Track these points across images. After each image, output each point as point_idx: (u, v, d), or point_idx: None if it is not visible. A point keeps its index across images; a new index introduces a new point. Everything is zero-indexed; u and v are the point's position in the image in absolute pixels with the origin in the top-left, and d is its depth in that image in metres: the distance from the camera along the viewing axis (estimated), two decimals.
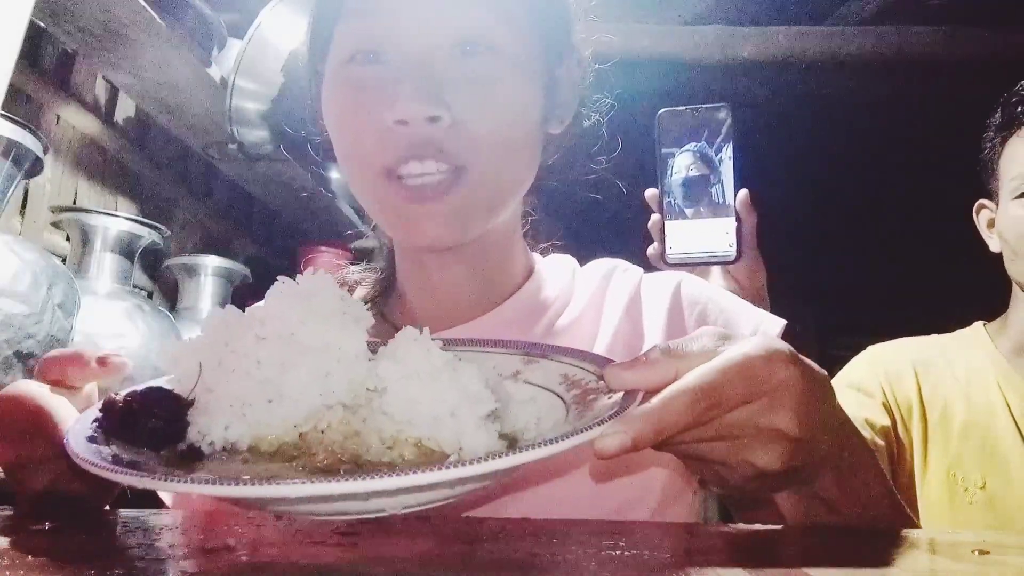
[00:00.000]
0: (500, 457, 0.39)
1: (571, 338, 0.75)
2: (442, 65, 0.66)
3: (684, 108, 1.00)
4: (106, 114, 1.89)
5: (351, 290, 0.86)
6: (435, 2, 0.67)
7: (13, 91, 1.43)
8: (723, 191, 0.98)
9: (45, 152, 1.32)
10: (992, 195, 1.33)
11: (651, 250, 1.04)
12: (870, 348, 1.41)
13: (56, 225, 1.65)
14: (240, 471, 0.43)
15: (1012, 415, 1.25)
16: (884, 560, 0.43)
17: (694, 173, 1.00)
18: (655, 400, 0.44)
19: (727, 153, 0.98)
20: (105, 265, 1.58)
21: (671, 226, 1.00)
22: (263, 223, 2.64)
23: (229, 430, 0.45)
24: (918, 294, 3.59)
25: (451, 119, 0.65)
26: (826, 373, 0.51)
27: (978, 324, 1.40)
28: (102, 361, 0.56)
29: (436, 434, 0.45)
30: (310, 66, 0.78)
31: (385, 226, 0.74)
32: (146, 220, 1.66)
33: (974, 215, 1.37)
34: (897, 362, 1.35)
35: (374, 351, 0.50)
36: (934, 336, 1.42)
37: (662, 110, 1.01)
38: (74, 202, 1.76)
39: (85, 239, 1.59)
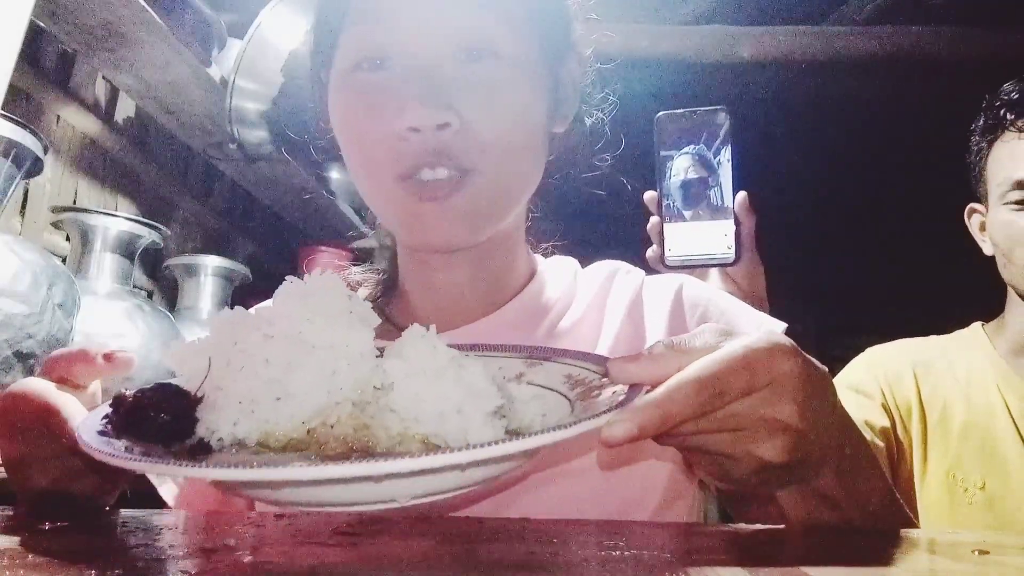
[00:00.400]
0: (511, 441, 0.40)
1: (573, 340, 0.76)
2: (447, 71, 0.67)
3: (682, 111, 1.00)
4: (106, 114, 1.89)
5: (353, 291, 0.86)
6: (438, 8, 0.67)
7: (13, 91, 1.43)
8: (722, 194, 0.99)
9: (45, 152, 1.32)
10: (981, 199, 1.33)
11: (650, 252, 1.04)
12: (869, 350, 1.41)
13: (56, 225, 1.65)
14: (251, 461, 0.43)
15: (1011, 416, 1.25)
16: (884, 560, 0.43)
17: (693, 176, 1.00)
18: (660, 389, 0.45)
19: (726, 155, 0.99)
20: (105, 265, 1.58)
21: (670, 229, 1.00)
22: (263, 223, 2.64)
23: (237, 426, 0.45)
24: (918, 295, 3.60)
25: (459, 124, 0.65)
26: (827, 370, 0.52)
27: (976, 325, 1.40)
28: (108, 357, 0.56)
29: (442, 430, 0.45)
30: (314, 73, 0.78)
31: (396, 228, 0.74)
32: (146, 220, 1.66)
33: (966, 219, 1.37)
34: (896, 363, 1.35)
35: (381, 353, 0.50)
36: (933, 337, 1.42)
37: (660, 113, 1.01)
38: (74, 202, 1.76)
39: (85, 239, 1.59)
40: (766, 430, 0.47)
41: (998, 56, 2.29)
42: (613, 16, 0.83)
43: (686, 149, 1.00)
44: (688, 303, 0.78)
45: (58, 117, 1.71)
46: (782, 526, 0.55)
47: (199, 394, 0.47)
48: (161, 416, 0.45)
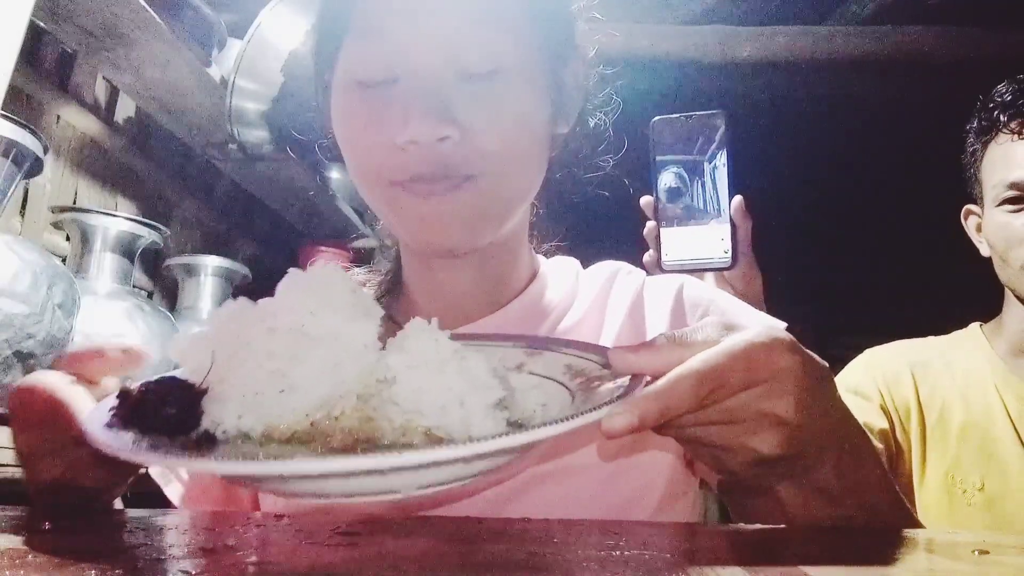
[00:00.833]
0: (514, 435, 0.41)
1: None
2: (450, 85, 0.67)
3: (678, 115, 1.01)
4: (106, 114, 1.89)
5: None
6: (441, 25, 0.67)
7: (13, 91, 1.43)
8: (718, 198, 0.99)
9: (45, 152, 1.32)
10: (977, 200, 1.33)
11: (647, 257, 1.05)
12: (867, 351, 1.41)
13: (56, 225, 1.65)
14: (256, 454, 0.44)
15: (1010, 416, 1.25)
16: (884, 560, 0.43)
17: (688, 180, 1.00)
18: (661, 381, 0.46)
19: (721, 160, 0.99)
20: (105, 265, 1.58)
21: (666, 233, 1.01)
22: (263, 223, 2.64)
23: (242, 419, 0.45)
24: (918, 294, 3.60)
25: (461, 137, 0.66)
26: (827, 366, 0.52)
27: (974, 325, 1.40)
28: (125, 352, 0.56)
29: (444, 423, 0.46)
30: (316, 75, 0.78)
31: (398, 232, 0.75)
32: (146, 220, 1.66)
33: (963, 221, 1.37)
34: (894, 365, 1.35)
35: (384, 347, 0.50)
36: (931, 338, 1.42)
37: (656, 118, 1.01)
38: (74, 202, 1.76)
39: (85, 239, 1.59)
40: (763, 424, 0.47)
41: (998, 56, 2.29)
42: (613, 16, 0.83)
43: (681, 154, 1.01)
44: (689, 303, 0.78)
45: (58, 117, 1.71)
46: (782, 526, 0.55)
47: (203, 387, 0.47)
48: (166, 409, 0.45)
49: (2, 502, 0.55)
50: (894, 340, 1.42)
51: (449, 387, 0.46)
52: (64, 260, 1.60)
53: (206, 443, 0.45)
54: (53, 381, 0.55)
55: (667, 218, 1.01)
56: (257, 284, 2.12)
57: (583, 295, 0.81)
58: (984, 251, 1.32)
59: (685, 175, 1.00)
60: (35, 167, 1.33)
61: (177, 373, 0.50)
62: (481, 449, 0.40)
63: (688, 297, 0.79)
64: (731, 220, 0.99)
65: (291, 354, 0.46)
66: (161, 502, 0.77)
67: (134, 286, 1.73)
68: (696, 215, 1.00)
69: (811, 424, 0.48)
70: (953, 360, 1.34)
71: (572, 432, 0.42)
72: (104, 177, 1.88)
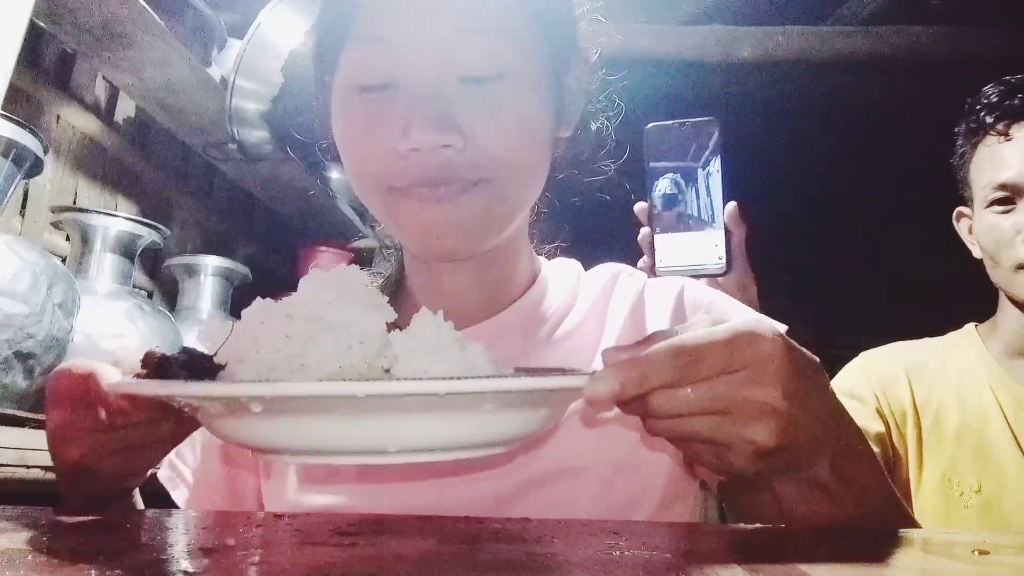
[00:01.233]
0: (489, 378, 0.43)
1: (575, 342, 0.76)
2: (453, 91, 0.66)
3: (672, 122, 1.01)
4: (106, 114, 1.89)
5: None
6: (444, 28, 0.67)
7: (13, 91, 1.43)
8: (712, 204, 1.00)
9: (45, 152, 1.32)
10: (968, 202, 1.33)
11: (641, 263, 1.05)
12: (862, 354, 1.40)
13: (56, 225, 1.65)
14: (242, 381, 0.47)
15: (1005, 417, 1.25)
16: (883, 559, 0.43)
17: (682, 187, 1.01)
18: (641, 353, 0.47)
19: (715, 166, 1.00)
20: (105, 265, 1.58)
21: (660, 239, 1.01)
22: (263, 223, 2.64)
23: None
24: (918, 294, 3.60)
25: (463, 145, 0.65)
26: (818, 360, 0.52)
27: (970, 326, 1.39)
28: None
29: None
30: (316, 78, 0.78)
31: (400, 237, 0.75)
32: (146, 220, 1.66)
33: (954, 222, 1.38)
34: (889, 368, 1.35)
35: None
36: (926, 339, 1.42)
37: (650, 124, 1.02)
38: (74, 202, 1.76)
39: (85, 239, 1.59)
40: (752, 412, 0.47)
41: (998, 56, 2.29)
42: (613, 16, 0.83)
43: (675, 161, 1.01)
44: (690, 305, 0.78)
45: (58, 117, 1.71)
46: (781, 525, 0.55)
47: (221, 362, 0.50)
48: (183, 374, 0.49)
49: (2, 502, 0.55)
50: (894, 340, 1.42)
51: (446, 372, 0.48)
52: (64, 260, 1.60)
53: None
54: (88, 363, 0.58)
55: (661, 224, 1.01)
56: (257, 284, 2.12)
57: (584, 297, 0.81)
58: (976, 252, 1.32)
59: (679, 181, 1.01)
60: (35, 167, 1.33)
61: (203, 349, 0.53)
62: (450, 388, 0.41)
63: (689, 299, 0.79)
64: (725, 226, 0.99)
65: (306, 338, 0.48)
66: (162, 503, 0.77)
67: (134, 286, 1.73)
68: (690, 221, 1.01)
69: (804, 415, 0.49)
70: (948, 362, 1.34)
71: (553, 395, 0.46)
72: (104, 177, 1.88)
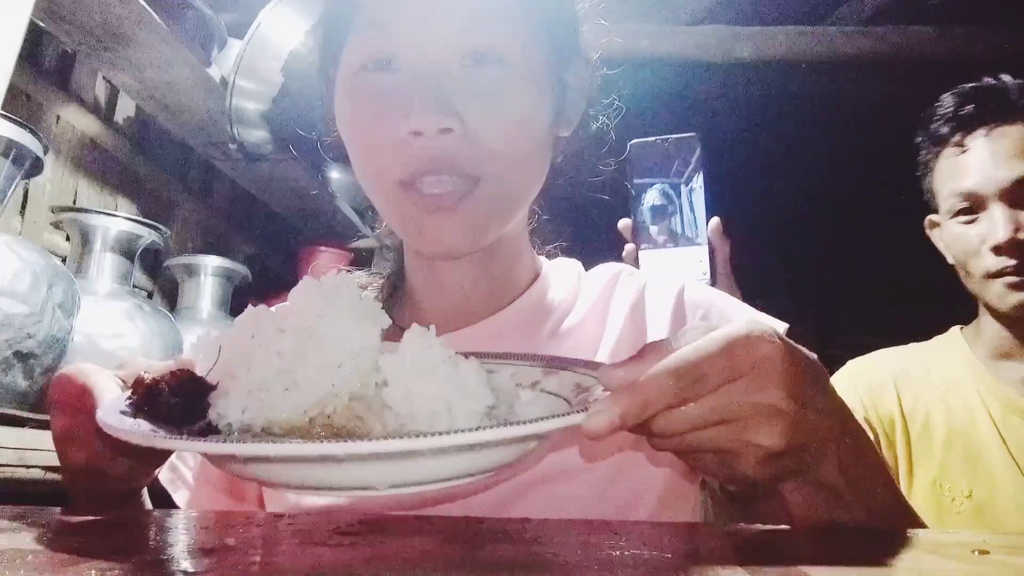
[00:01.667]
0: (482, 430, 0.41)
1: (575, 341, 0.76)
2: (453, 77, 0.67)
3: (654, 139, 1.02)
4: (106, 114, 1.89)
5: None
6: (446, 15, 0.68)
7: (13, 91, 1.43)
8: (695, 220, 1.00)
9: (45, 152, 1.32)
10: (936, 211, 1.33)
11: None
12: (848, 363, 1.40)
13: (56, 225, 1.65)
14: (225, 439, 0.47)
15: (993, 421, 1.24)
16: (884, 560, 0.43)
17: (666, 203, 1.01)
18: (640, 378, 0.45)
19: (698, 182, 1.00)
20: (105, 265, 1.58)
21: (645, 255, 1.02)
22: (263, 223, 2.64)
23: (245, 413, 0.48)
24: (918, 294, 3.59)
25: (463, 130, 0.66)
26: (817, 358, 0.51)
27: (954, 329, 1.39)
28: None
29: (433, 428, 0.46)
30: (321, 71, 0.79)
31: (402, 234, 0.75)
32: (146, 220, 1.66)
33: (927, 231, 1.38)
34: (876, 376, 1.35)
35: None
36: (912, 345, 1.41)
37: (633, 141, 1.02)
38: (74, 202, 1.76)
39: (85, 239, 1.58)
40: (759, 416, 0.46)
41: (998, 56, 2.29)
42: (613, 17, 0.83)
43: (659, 176, 1.02)
44: (690, 305, 0.78)
45: (58, 117, 1.71)
46: (783, 526, 0.55)
47: (213, 381, 0.49)
48: (173, 399, 0.48)
49: (2, 502, 0.55)
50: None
51: (438, 393, 0.47)
52: (64, 260, 1.60)
53: (206, 434, 0.47)
54: (84, 370, 0.58)
55: (645, 240, 1.02)
56: (257, 284, 2.12)
57: (585, 296, 0.81)
58: (950, 259, 1.32)
59: (663, 197, 1.01)
60: (35, 167, 1.33)
61: (197, 369, 0.53)
62: (421, 445, 0.40)
63: (689, 299, 0.79)
64: (709, 242, 1.00)
65: (298, 353, 0.48)
66: (163, 504, 0.77)
67: (134, 286, 1.73)
68: (674, 237, 1.01)
69: (809, 414, 0.48)
70: (934, 367, 1.33)
71: (543, 437, 0.44)
72: (104, 177, 1.88)
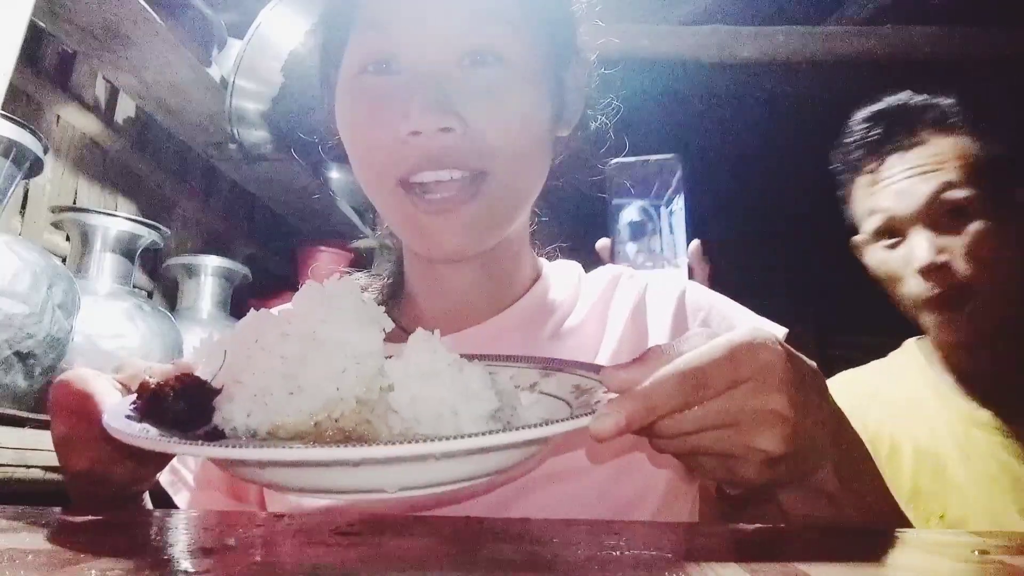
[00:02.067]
0: (493, 434, 0.42)
1: (576, 343, 0.76)
2: (453, 76, 0.67)
3: (635, 159, 1.02)
4: (106, 114, 1.89)
5: None
6: (446, 15, 0.68)
7: (13, 91, 1.43)
8: (675, 242, 1.00)
9: (45, 152, 1.32)
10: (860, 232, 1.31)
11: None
12: None
13: (56, 225, 1.65)
14: (238, 443, 0.47)
15: (955, 436, 1.21)
16: (883, 558, 0.43)
17: (645, 223, 1.01)
18: (645, 382, 0.46)
19: (678, 204, 1.00)
20: (105, 265, 1.58)
21: None
22: (263, 223, 2.64)
23: (251, 417, 0.48)
24: None
25: (463, 129, 0.66)
26: (815, 366, 0.52)
27: (910, 343, 1.36)
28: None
29: (439, 431, 0.47)
30: (322, 72, 0.79)
31: (403, 236, 0.75)
32: (146, 220, 1.66)
33: (856, 253, 1.35)
34: (839, 402, 1.32)
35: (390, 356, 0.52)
36: (871, 364, 1.38)
37: (612, 161, 1.02)
38: (74, 202, 1.76)
39: (85, 239, 1.58)
40: (761, 421, 0.47)
41: (998, 56, 2.29)
42: (613, 17, 0.83)
43: (639, 197, 1.01)
44: (691, 307, 0.78)
45: (58, 117, 1.71)
46: (781, 525, 0.55)
47: (217, 386, 0.49)
48: (179, 403, 0.48)
49: (2, 502, 0.55)
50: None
51: (443, 397, 0.48)
52: (64, 260, 1.60)
53: (213, 438, 0.47)
54: (84, 375, 0.58)
55: (623, 260, 1.01)
56: (257, 284, 2.12)
57: (585, 298, 0.81)
58: (879, 281, 1.30)
59: (643, 218, 1.01)
60: (35, 167, 1.33)
61: (199, 373, 0.52)
62: (436, 449, 0.40)
63: (690, 301, 0.79)
64: (689, 265, 0.99)
65: (301, 358, 0.48)
66: (163, 506, 0.77)
67: (134, 286, 1.73)
68: (654, 258, 1.01)
69: (808, 420, 0.49)
70: (894, 386, 1.30)
71: (548, 440, 0.44)
72: (104, 177, 1.88)
